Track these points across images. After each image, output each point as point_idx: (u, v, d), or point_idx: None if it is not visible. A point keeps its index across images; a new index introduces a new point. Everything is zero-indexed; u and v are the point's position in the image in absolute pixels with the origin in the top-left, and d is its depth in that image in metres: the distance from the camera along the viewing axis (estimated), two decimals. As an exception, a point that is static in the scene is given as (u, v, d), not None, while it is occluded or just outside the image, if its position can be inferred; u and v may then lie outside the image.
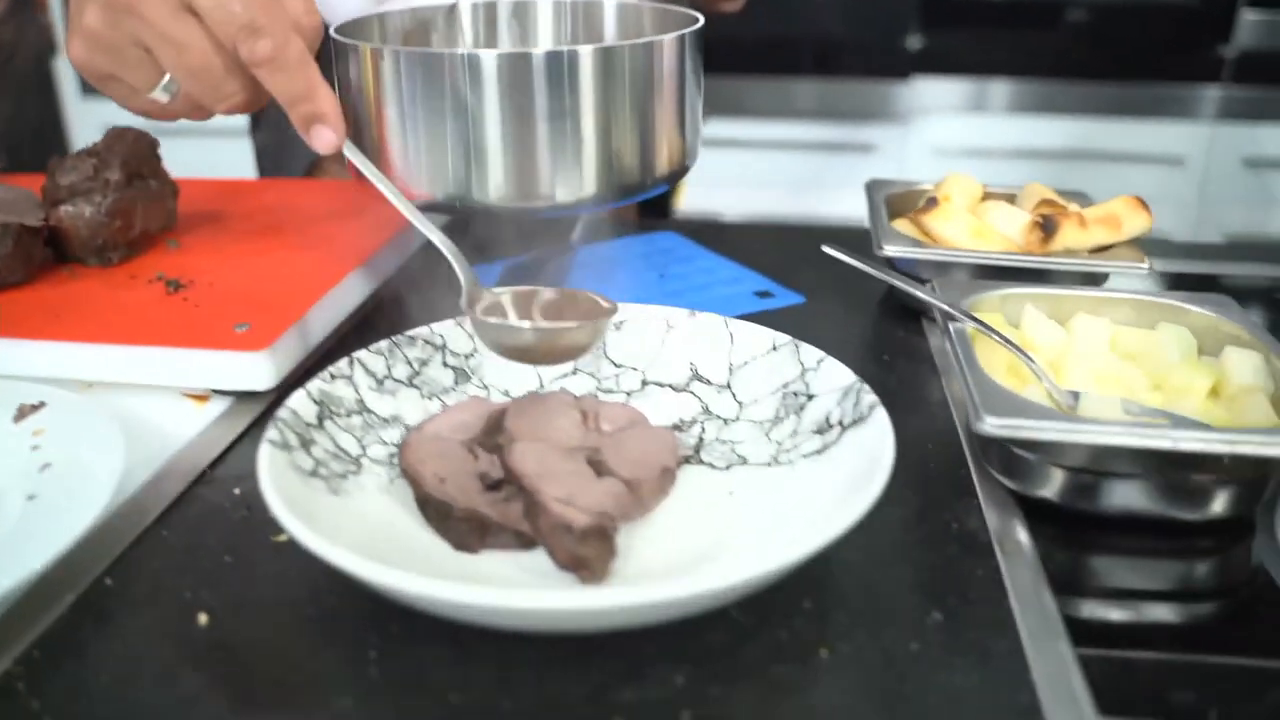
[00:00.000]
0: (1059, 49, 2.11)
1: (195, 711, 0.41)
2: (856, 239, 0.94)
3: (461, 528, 0.49)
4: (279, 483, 0.46)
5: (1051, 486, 0.54)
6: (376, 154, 0.68)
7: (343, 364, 0.56)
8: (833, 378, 0.56)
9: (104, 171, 0.71)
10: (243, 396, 0.64)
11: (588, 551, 0.45)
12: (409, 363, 0.59)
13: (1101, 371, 0.60)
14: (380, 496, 0.52)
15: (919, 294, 0.63)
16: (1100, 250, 0.75)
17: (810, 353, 0.58)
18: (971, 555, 0.52)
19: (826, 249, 0.67)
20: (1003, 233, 0.75)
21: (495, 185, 0.67)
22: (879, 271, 0.66)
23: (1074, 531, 0.54)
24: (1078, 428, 0.50)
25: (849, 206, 0.97)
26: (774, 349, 0.59)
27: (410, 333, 0.60)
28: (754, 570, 0.40)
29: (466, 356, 0.61)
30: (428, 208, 0.69)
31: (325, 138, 0.62)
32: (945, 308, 0.61)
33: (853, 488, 0.48)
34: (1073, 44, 2.12)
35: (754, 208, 2.11)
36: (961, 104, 2.12)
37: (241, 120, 1.21)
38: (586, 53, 0.65)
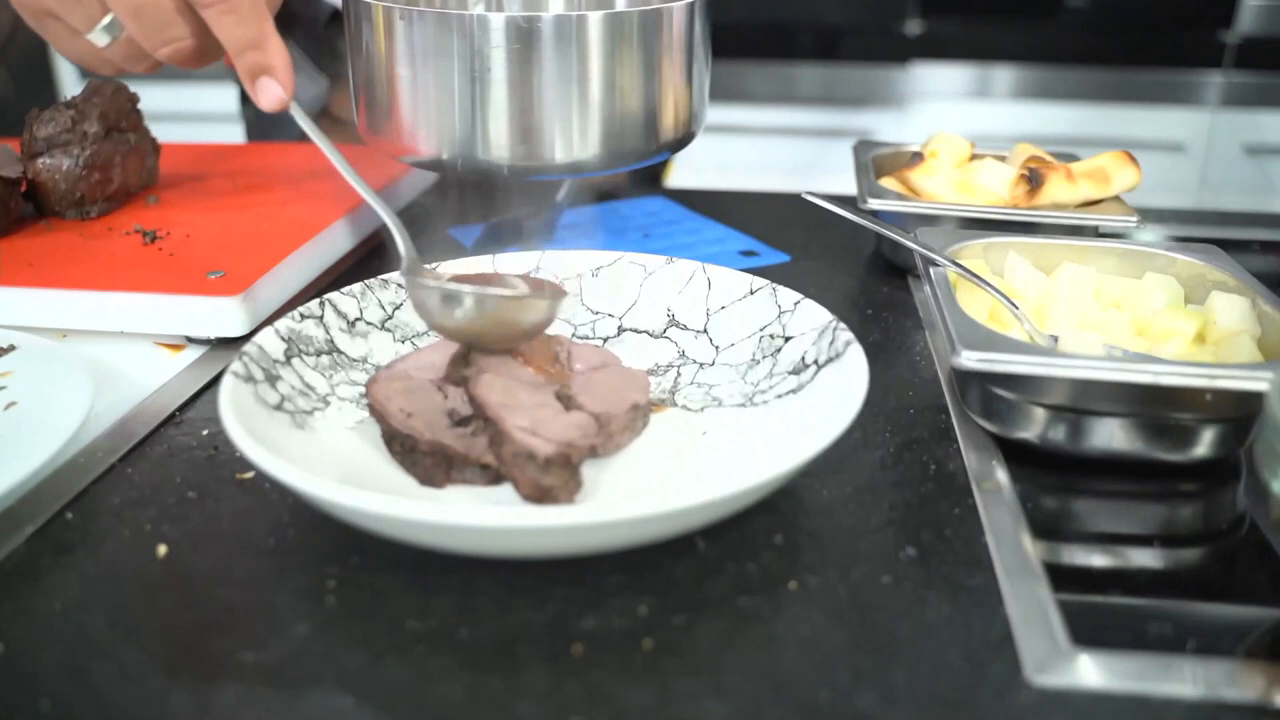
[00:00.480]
0: (1059, 35, 2.10)
1: (147, 638, 0.40)
2: (842, 202, 0.93)
3: (426, 461, 0.48)
4: (239, 410, 0.45)
5: (1031, 427, 0.53)
6: (387, 112, 0.69)
7: (313, 304, 0.55)
8: (809, 318, 0.55)
9: (81, 124, 0.70)
10: (216, 345, 0.63)
11: (552, 481, 0.44)
12: (382, 306, 0.58)
13: (1084, 318, 0.60)
14: (347, 434, 0.51)
15: (900, 239, 0.62)
16: (1088, 205, 0.74)
17: (787, 295, 0.57)
18: (948, 495, 0.51)
19: (807, 195, 0.66)
20: (988, 188, 0.74)
21: (500, 146, 0.67)
22: (860, 218, 0.65)
23: (1054, 475, 0.53)
24: (1057, 361, 0.49)
25: (844, 190, 0.96)
26: (751, 293, 0.59)
27: (384, 276, 0.59)
28: (718, 492, 0.39)
29: (441, 302, 0.60)
30: (433, 166, 0.69)
31: (271, 92, 0.61)
32: (926, 252, 0.60)
33: (827, 422, 0.48)
34: (1073, 30, 2.10)
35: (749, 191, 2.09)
36: (961, 90, 2.11)
37: (230, 104, 1.20)
38: (595, 18, 0.65)
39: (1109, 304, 0.62)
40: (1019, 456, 0.54)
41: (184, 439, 0.54)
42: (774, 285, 0.58)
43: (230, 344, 0.63)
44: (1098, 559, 0.49)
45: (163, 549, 0.45)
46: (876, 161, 0.81)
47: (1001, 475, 0.52)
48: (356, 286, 0.58)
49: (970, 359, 0.50)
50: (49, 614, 0.42)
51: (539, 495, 0.45)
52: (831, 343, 0.52)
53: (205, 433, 0.55)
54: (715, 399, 0.55)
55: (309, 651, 0.40)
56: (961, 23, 2.10)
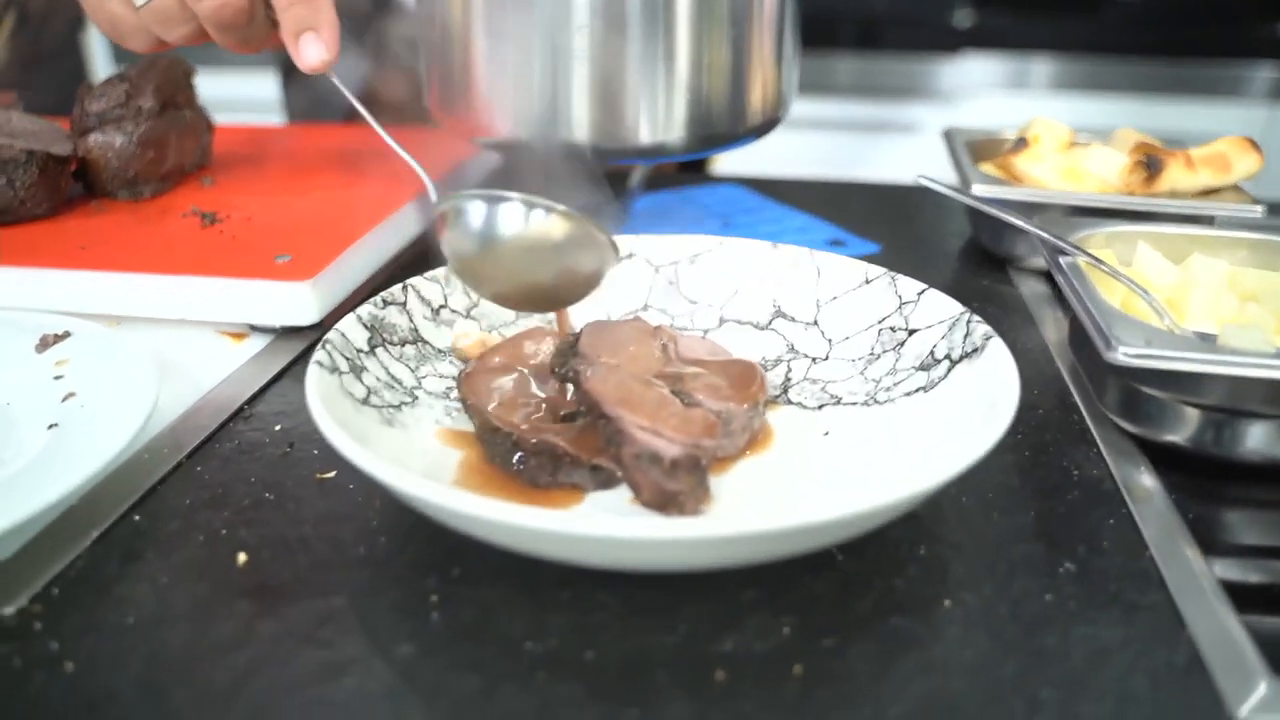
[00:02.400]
0: (1108, 25, 2.04)
1: (233, 657, 0.36)
2: (931, 196, 0.88)
3: (531, 462, 0.43)
4: (330, 405, 0.41)
5: (1182, 429, 0.48)
6: (463, 89, 0.65)
7: (396, 290, 0.51)
8: (936, 310, 0.50)
9: (136, 98, 0.66)
10: (283, 334, 0.59)
11: (678, 486, 0.40)
12: (467, 293, 0.54)
13: (1223, 311, 0.55)
14: (438, 431, 0.47)
15: (1026, 227, 0.57)
16: (1205, 195, 0.69)
17: (909, 285, 0.52)
18: (1098, 503, 0.46)
19: (922, 179, 0.61)
20: (1097, 174, 0.70)
21: (581, 124, 0.63)
22: (982, 206, 0.61)
23: (1204, 480, 0.48)
24: (1228, 359, 0.44)
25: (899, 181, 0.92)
26: (867, 282, 0.54)
27: (467, 261, 0.55)
28: (871, 502, 0.35)
29: (527, 289, 0.56)
30: (509, 147, 0.65)
31: (314, 50, 0.57)
32: (1056, 241, 0.55)
33: (968, 423, 0.43)
34: (1123, 20, 2.05)
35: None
36: (1008, 82, 2.05)
37: (270, 92, 1.16)
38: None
39: (1244, 295, 0.57)
40: (1164, 460, 0.49)
41: (255, 435, 0.50)
42: (893, 274, 0.53)
43: (297, 334, 0.59)
44: (1266, 573, 0.44)
45: (243, 557, 0.41)
46: (970, 149, 0.77)
47: (1151, 481, 0.47)
48: (439, 271, 0.53)
49: (1128, 354, 0.45)
50: (121, 628, 0.37)
51: (663, 501, 0.40)
52: (966, 336, 0.48)
53: (278, 428, 0.50)
54: (833, 396, 0.51)
55: (417, 676, 0.35)
56: (1010, 13, 2.04)
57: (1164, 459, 0.49)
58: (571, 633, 0.37)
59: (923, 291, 0.52)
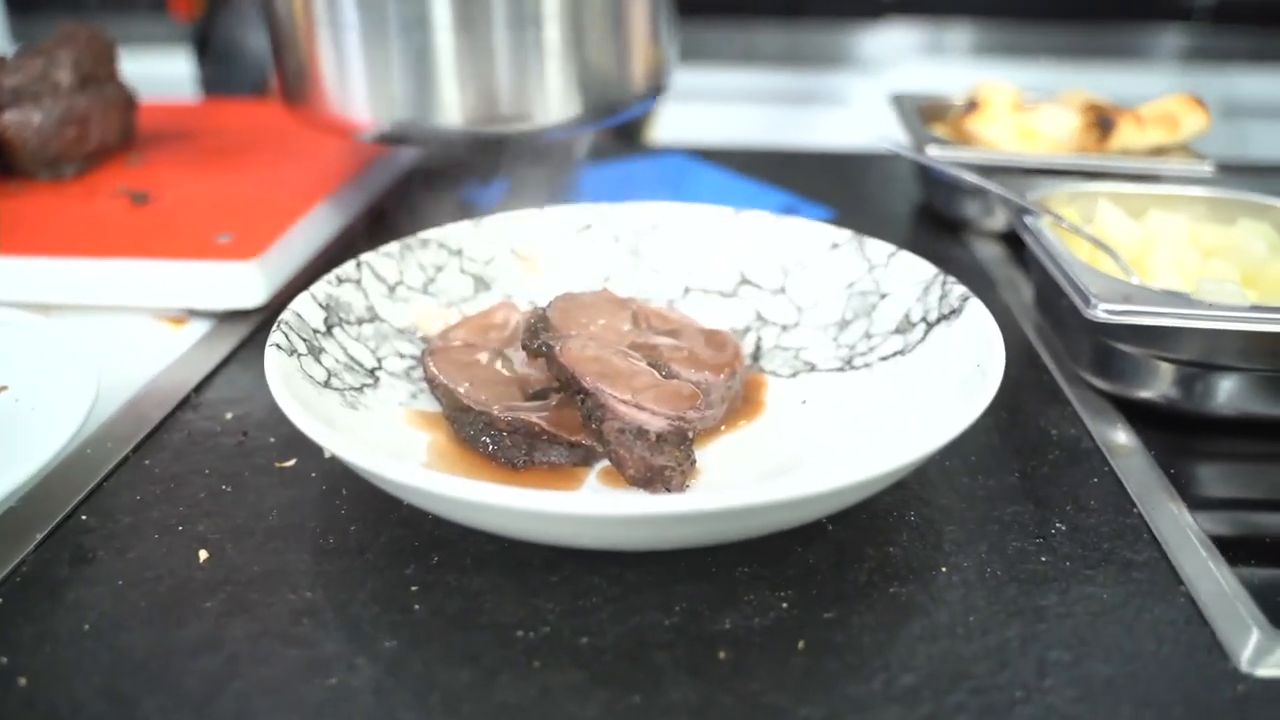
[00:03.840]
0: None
1: (205, 659, 0.34)
2: (877, 162, 0.88)
3: (505, 441, 0.41)
4: (293, 390, 0.38)
5: (1157, 385, 0.48)
6: (304, 79, 0.58)
7: (349, 267, 0.48)
8: (908, 272, 0.50)
9: (53, 73, 0.62)
10: (226, 318, 0.56)
11: (664, 460, 0.38)
12: (422, 268, 0.52)
13: (1188, 268, 0.55)
14: (402, 413, 0.45)
15: (993, 188, 0.57)
16: (1155, 154, 0.69)
17: (878, 248, 0.51)
18: (1078, 462, 0.46)
19: (887, 144, 0.60)
20: (1049, 135, 0.69)
21: (451, 106, 0.57)
22: (947, 169, 0.60)
23: (1178, 435, 0.48)
24: (1205, 313, 0.44)
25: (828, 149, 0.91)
26: (834, 247, 0.53)
27: (422, 235, 0.52)
28: (869, 471, 0.33)
29: (485, 263, 0.54)
30: (375, 139, 0.59)
31: None
32: (1021, 201, 0.55)
33: (948, 385, 0.42)
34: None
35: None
36: (927, 48, 2.06)
37: (180, 69, 1.11)
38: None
39: (1207, 253, 0.57)
40: (1139, 417, 0.49)
41: (205, 424, 0.47)
42: (859, 237, 0.52)
43: (241, 317, 0.56)
44: (1261, 527, 0.44)
45: (204, 553, 0.38)
46: (919, 113, 0.76)
47: (1129, 438, 0.47)
48: (393, 246, 0.51)
49: (1108, 311, 0.44)
50: (78, 635, 0.35)
51: (649, 477, 0.39)
52: (943, 298, 0.47)
53: (229, 416, 0.48)
54: (807, 363, 0.50)
55: (405, 671, 0.33)
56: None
57: (1138, 416, 0.49)
58: (565, 617, 0.35)
59: (893, 254, 0.51)
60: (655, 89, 0.65)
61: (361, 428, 0.41)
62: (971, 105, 0.71)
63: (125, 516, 0.41)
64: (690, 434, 0.39)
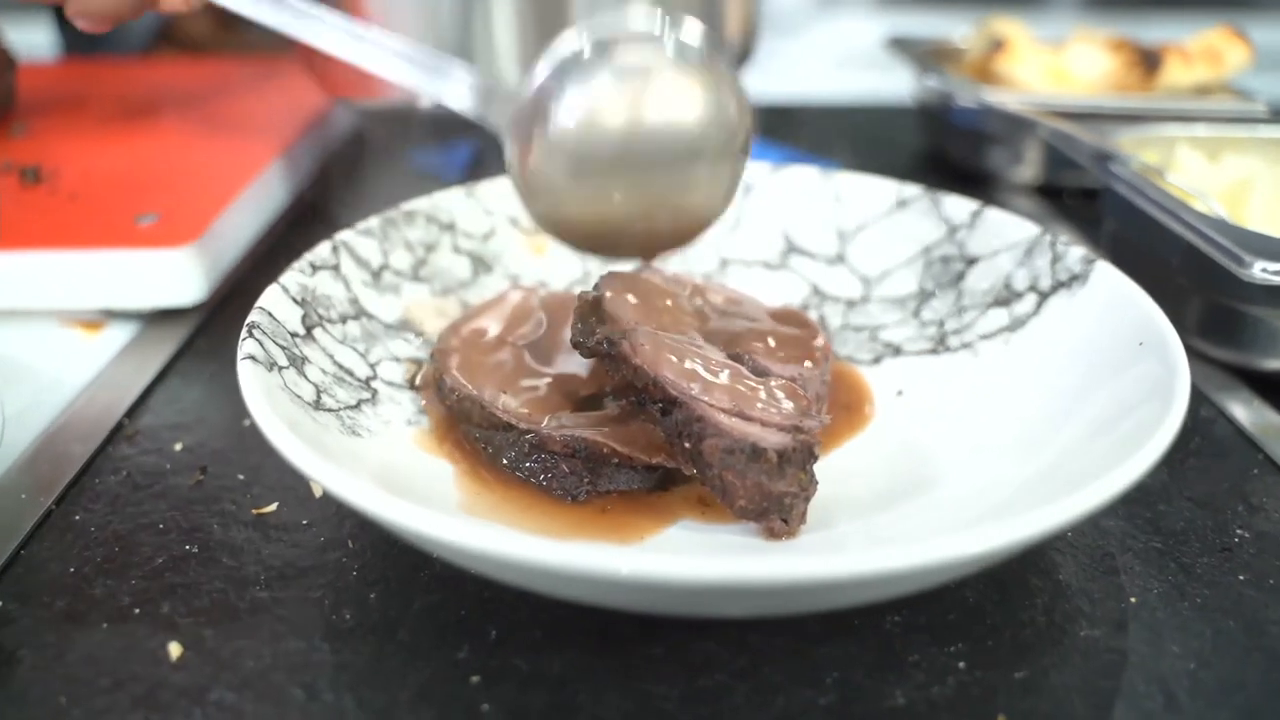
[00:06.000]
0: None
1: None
2: (871, 112, 0.80)
3: (561, 467, 0.32)
4: (284, 417, 0.28)
5: (1294, 354, 0.41)
6: None
7: (324, 250, 0.38)
8: (1001, 232, 0.42)
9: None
10: (155, 320, 0.45)
11: (787, 487, 0.29)
12: (409, 247, 0.42)
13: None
14: (411, 434, 0.35)
15: (1075, 135, 0.49)
16: (1199, 93, 0.63)
17: (957, 205, 0.43)
18: (1227, 451, 0.38)
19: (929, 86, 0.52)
20: (1082, 76, 0.62)
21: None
22: (1034, 118, 0.52)
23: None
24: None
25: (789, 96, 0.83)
26: (901, 205, 0.44)
27: (406, 206, 0.42)
28: (1067, 513, 0.25)
29: (483, 239, 0.44)
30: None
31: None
32: (1107, 149, 0.47)
33: (1086, 367, 0.34)
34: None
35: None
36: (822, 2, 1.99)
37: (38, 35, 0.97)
38: None
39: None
40: (1268, 391, 0.42)
41: (149, 460, 0.37)
42: (934, 192, 0.44)
43: (174, 318, 0.45)
44: None
45: (175, 647, 0.28)
46: (924, 61, 0.68)
47: (1275, 417, 0.40)
48: (373, 222, 0.41)
49: (1268, 272, 0.37)
50: (6, 783, 0.25)
51: (764, 507, 0.30)
52: (1055, 261, 0.39)
53: (178, 447, 0.37)
54: (888, 345, 0.41)
55: (489, 806, 0.24)
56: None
57: (1263, 388, 0.42)
58: (688, 705, 0.27)
59: (977, 212, 0.43)
60: (745, 53, 0.60)
61: (371, 460, 0.32)
62: (996, 46, 0.63)
63: (57, 598, 0.30)
64: (816, 450, 0.30)
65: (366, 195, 0.60)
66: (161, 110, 0.59)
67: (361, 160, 0.65)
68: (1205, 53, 0.61)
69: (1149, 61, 0.59)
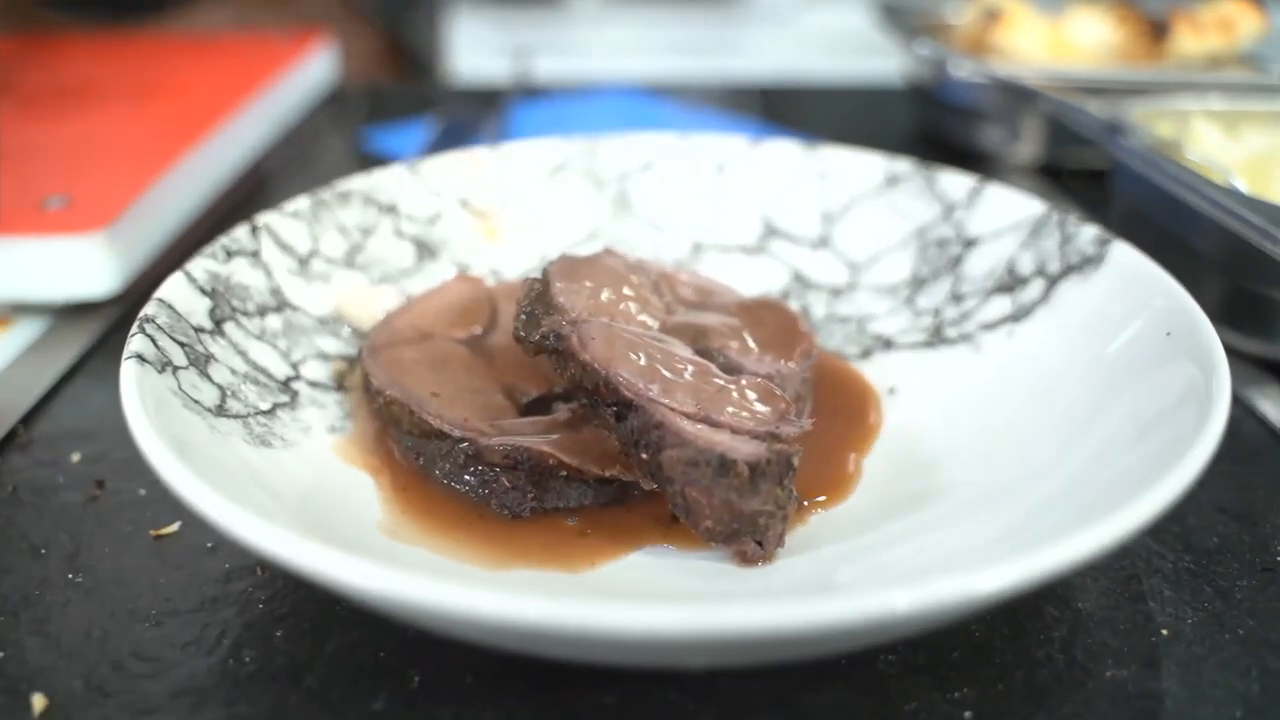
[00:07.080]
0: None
1: None
2: (878, 98, 0.76)
3: (503, 482, 0.28)
4: (165, 423, 0.24)
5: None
6: None
7: (242, 234, 0.34)
8: (1001, 211, 0.37)
9: None
10: (65, 315, 0.41)
11: (761, 505, 0.25)
12: (343, 231, 0.37)
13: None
14: (333, 444, 0.31)
15: (1082, 109, 0.45)
16: (1210, 64, 0.59)
17: (954, 181, 0.39)
18: (1259, 454, 0.34)
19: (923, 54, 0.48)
20: (1085, 45, 0.58)
21: None
22: (1044, 91, 0.48)
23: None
24: None
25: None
26: (891, 182, 0.40)
27: (341, 186, 0.38)
28: (1095, 541, 0.21)
29: (428, 222, 0.39)
30: None
31: None
32: (1117, 120, 0.43)
33: (1103, 359, 0.30)
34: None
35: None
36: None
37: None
38: None
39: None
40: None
41: (41, 472, 0.32)
42: (926, 167, 0.40)
43: (87, 312, 0.41)
44: None
45: (39, 700, 0.24)
46: (913, 29, 0.64)
47: (1302, 415, 0.36)
48: (302, 203, 0.36)
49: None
50: None
51: (735, 530, 0.25)
52: (1065, 242, 0.35)
53: (75, 458, 0.33)
54: (878, 338, 0.37)
55: None
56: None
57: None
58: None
59: (976, 189, 0.38)
60: None
61: (280, 474, 0.27)
62: (991, 15, 0.59)
63: (-90, 637, 0.26)
64: (795, 460, 0.26)
65: (320, 179, 0.55)
66: (89, 87, 0.54)
67: (314, 141, 0.61)
68: (1218, 21, 0.57)
69: (1157, 30, 0.54)
